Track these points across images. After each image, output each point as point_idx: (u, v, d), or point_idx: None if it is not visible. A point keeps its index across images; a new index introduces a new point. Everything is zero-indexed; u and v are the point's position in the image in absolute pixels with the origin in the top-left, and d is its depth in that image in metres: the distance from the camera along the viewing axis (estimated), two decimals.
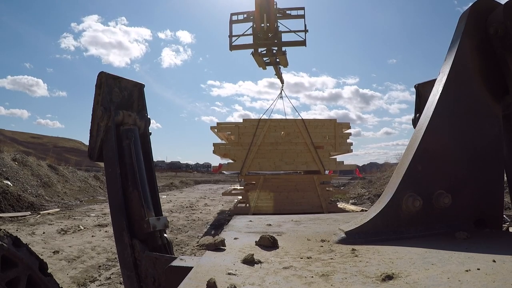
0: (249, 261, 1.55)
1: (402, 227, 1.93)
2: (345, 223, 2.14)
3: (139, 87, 2.68)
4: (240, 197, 14.09)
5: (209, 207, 16.34)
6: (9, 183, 14.18)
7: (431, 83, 2.65)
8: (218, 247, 1.79)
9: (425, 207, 1.91)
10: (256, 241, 1.89)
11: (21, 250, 1.98)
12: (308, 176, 13.36)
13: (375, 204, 2.05)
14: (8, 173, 15.74)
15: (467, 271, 1.32)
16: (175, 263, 1.79)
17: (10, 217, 11.52)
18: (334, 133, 12.93)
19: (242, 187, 13.64)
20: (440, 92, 2.04)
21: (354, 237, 1.89)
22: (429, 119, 2.02)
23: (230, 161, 13.84)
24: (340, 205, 15.11)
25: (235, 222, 2.61)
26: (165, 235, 2.42)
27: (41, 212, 12.92)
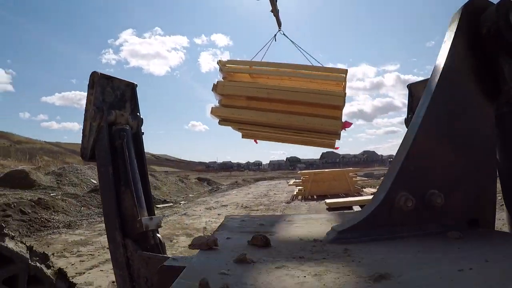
0: (242, 260, 1.54)
1: (395, 226, 1.93)
2: (338, 222, 2.14)
3: (132, 87, 2.66)
4: (300, 187, 20.04)
5: (278, 195, 21.68)
6: None
7: (423, 83, 2.66)
8: (211, 246, 1.78)
9: (417, 206, 1.92)
10: (248, 241, 1.89)
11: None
12: (342, 170, 21.05)
13: (368, 203, 2.05)
14: None
15: (459, 270, 1.32)
16: (167, 263, 1.78)
17: (161, 207, 15.85)
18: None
19: (300, 180, 20.47)
20: (432, 92, 2.05)
21: (347, 237, 1.89)
22: (421, 119, 2.02)
23: None
24: (366, 190, 19.50)
25: (228, 222, 2.60)
26: (157, 234, 2.41)
27: (181, 203, 18.24)
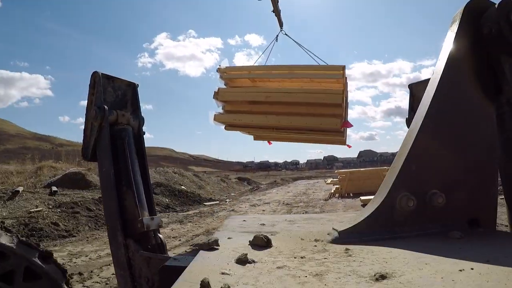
0: (243, 260, 1.54)
1: (396, 226, 1.93)
2: (339, 222, 2.14)
3: (133, 87, 2.66)
4: (337, 185, 20.71)
5: (316, 193, 22.72)
6: (183, 187, 20.57)
7: (424, 83, 2.66)
8: (212, 246, 1.78)
9: (419, 206, 1.92)
10: (249, 241, 1.89)
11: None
12: (377, 169, 21.53)
13: (369, 203, 2.05)
14: (178, 181, 22.29)
15: (460, 270, 1.32)
16: (169, 263, 1.78)
17: (208, 205, 17.47)
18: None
19: (337, 179, 21.46)
20: (433, 92, 2.05)
21: (348, 237, 1.89)
22: (422, 119, 2.02)
23: None
24: None
25: (229, 222, 2.60)
26: (159, 234, 2.41)
27: (227, 201, 19.84)
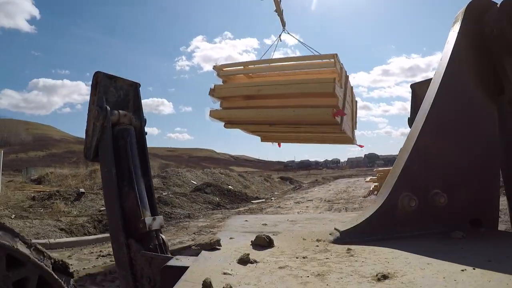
0: (245, 260, 1.54)
1: (398, 226, 1.93)
2: (340, 222, 2.14)
3: (135, 87, 2.66)
4: (376, 183, 20.14)
5: (356, 191, 23.40)
6: (230, 187, 21.54)
7: (426, 83, 2.65)
8: (214, 247, 1.78)
9: (420, 206, 1.91)
10: (251, 241, 1.89)
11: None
12: None
13: (371, 203, 2.05)
14: (225, 182, 23.57)
15: (462, 270, 1.32)
16: (171, 263, 1.78)
17: (256, 202, 18.31)
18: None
19: (375, 177, 21.03)
20: (435, 92, 2.05)
21: (350, 237, 1.89)
22: (424, 119, 2.02)
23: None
24: None
25: (231, 221, 2.61)
26: (161, 235, 2.41)
27: (272, 199, 20.57)
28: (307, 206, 15.25)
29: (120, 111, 2.49)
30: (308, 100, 5.92)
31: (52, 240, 8.30)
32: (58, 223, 9.64)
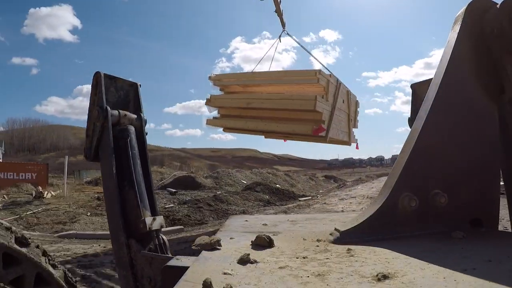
0: (245, 261, 1.54)
1: (398, 226, 1.93)
2: (341, 222, 2.14)
3: (135, 87, 2.66)
4: None
5: None
6: (278, 186, 22.85)
7: (427, 83, 2.65)
8: (214, 247, 1.78)
9: (421, 206, 1.91)
10: (252, 241, 1.89)
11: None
12: None
13: (371, 203, 2.05)
14: (273, 181, 25.23)
15: (463, 270, 1.32)
16: (171, 263, 1.78)
17: (303, 200, 18.57)
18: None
19: None
20: (436, 92, 2.04)
21: (350, 237, 1.89)
22: (425, 119, 2.02)
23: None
24: None
25: (231, 222, 2.61)
26: (161, 235, 2.41)
27: (318, 196, 20.95)
28: (350, 202, 15.70)
29: (120, 111, 2.49)
30: (292, 113, 6.33)
31: None
32: None
